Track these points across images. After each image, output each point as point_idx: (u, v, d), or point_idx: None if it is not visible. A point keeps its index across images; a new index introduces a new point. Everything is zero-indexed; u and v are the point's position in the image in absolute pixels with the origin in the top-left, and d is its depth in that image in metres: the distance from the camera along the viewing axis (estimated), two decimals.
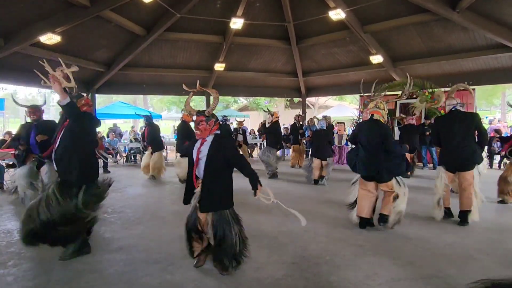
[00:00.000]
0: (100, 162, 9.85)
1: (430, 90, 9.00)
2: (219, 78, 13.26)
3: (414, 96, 9.58)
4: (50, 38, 8.15)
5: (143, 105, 28.38)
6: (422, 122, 9.58)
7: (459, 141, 4.41)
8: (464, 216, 4.44)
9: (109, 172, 9.50)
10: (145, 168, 8.60)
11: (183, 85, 3.46)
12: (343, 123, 12.37)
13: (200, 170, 3.01)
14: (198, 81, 3.37)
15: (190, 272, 3.11)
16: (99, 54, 10.97)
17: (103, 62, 11.47)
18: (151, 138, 8.73)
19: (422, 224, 4.51)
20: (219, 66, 12.09)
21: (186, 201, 3.15)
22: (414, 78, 10.56)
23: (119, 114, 16.31)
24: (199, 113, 3.06)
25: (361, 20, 10.36)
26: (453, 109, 4.56)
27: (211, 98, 3.19)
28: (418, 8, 8.81)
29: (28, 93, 37.30)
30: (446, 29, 9.29)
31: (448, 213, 4.70)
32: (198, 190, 3.03)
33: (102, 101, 29.94)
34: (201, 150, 3.01)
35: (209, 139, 3.04)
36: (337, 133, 11.96)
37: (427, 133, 8.30)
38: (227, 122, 10.33)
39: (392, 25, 10.02)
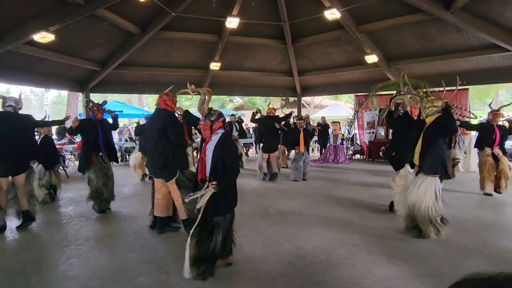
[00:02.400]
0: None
1: (425, 90, 9.07)
2: (215, 77, 13.23)
3: (410, 96, 9.63)
4: (44, 37, 8.06)
5: (138, 104, 28.25)
6: None
7: None
8: None
9: None
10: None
11: (188, 84, 3.55)
12: (339, 122, 12.43)
13: (206, 168, 2.95)
14: (188, 82, 3.44)
15: None
16: (93, 52, 10.89)
17: (97, 61, 11.38)
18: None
19: None
20: (214, 65, 12.06)
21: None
22: (409, 77, 10.66)
23: None
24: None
25: (356, 19, 10.40)
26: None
27: (206, 97, 3.19)
28: (413, 8, 8.87)
29: (22, 92, 36.91)
30: (440, 29, 9.36)
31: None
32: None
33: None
34: (207, 149, 2.96)
35: (215, 138, 2.96)
36: (332, 132, 12.00)
37: None
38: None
39: (387, 25, 10.07)
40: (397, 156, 4.96)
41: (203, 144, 3.04)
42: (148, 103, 32.11)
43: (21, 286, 2.89)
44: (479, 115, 20.93)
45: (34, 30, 8.02)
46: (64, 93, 26.40)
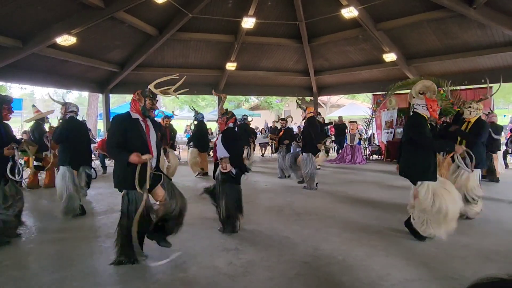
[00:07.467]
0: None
1: (445, 88, 8.84)
2: (231, 77, 13.31)
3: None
4: (66, 40, 8.34)
5: None
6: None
7: None
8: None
9: None
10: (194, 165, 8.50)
11: (213, 91, 4.29)
12: (356, 122, 12.26)
13: (218, 153, 4.12)
14: (213, 89, 3.91)
15: (203, 270, 3.14)
16: (113, 54, 11.16)
17: (116, 62, 11.66)
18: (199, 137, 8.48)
19: None
20: (230, 66, 12.13)
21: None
22: (429, 76, 10.42)
23: None
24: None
25: (374, 17, 10.23)
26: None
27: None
28: (433, 4, 8.65)
29: (45, 93, 38.21)
30: (462, 25, 9.10)
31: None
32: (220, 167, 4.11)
33: (116, 101, 30.45)
34: (218, 138, 4.19)
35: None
36: (349, 132, 11.86)
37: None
38: (245, 121, 10.01)
39: (406, 22, 9.87)
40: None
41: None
42: (165, 103, 32.65)
43: (42, 282, 3.00)
44: (503, 114, 20.24)
45: (57, 33, 8.30)
46: (85, 94, 27.14)
